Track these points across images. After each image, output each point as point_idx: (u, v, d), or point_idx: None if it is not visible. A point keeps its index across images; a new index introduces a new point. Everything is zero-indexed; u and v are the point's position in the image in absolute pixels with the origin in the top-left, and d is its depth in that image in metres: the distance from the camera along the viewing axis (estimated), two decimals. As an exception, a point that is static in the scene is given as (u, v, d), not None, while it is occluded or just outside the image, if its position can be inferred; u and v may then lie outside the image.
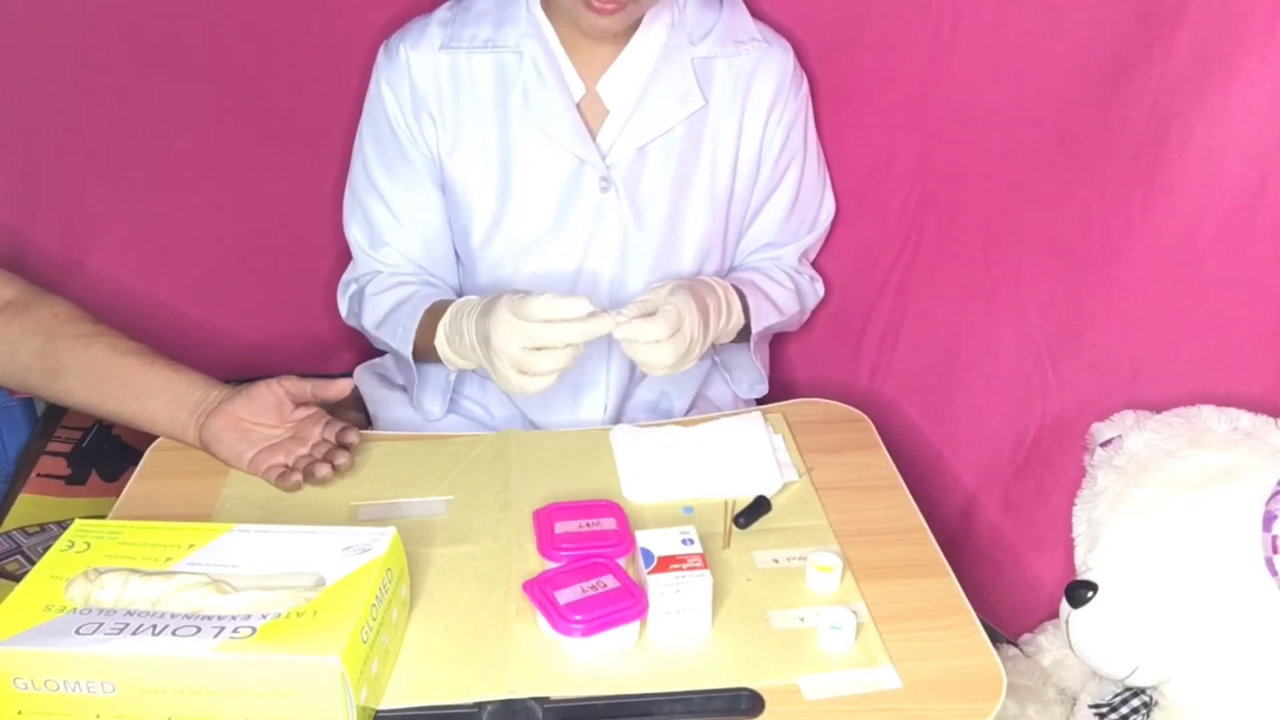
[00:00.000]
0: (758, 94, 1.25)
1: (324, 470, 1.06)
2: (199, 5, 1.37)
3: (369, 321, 1.27)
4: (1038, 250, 1.19)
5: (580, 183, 1.21)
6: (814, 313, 1.43)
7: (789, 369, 1.52)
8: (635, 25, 1.20)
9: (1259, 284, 1.02)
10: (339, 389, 1.11)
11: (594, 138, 1.21)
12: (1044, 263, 1.19)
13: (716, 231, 1.28)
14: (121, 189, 1.45)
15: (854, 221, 1.41)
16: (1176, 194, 1.03)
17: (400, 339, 1.21)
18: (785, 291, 1.32)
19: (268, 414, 1.09)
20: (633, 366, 1.29)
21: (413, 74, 1.21)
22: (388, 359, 1.38)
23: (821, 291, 1.40)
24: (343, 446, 1.09)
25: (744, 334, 1.27)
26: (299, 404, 1.11)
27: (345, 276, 1.34)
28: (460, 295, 1.28)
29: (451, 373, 1.27)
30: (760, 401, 1.38)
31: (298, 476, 1.06)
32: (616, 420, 1.31)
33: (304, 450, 1.09)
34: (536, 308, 1.04)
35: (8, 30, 1.33)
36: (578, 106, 1.21)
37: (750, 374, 1.36)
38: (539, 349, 1.05)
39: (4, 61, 1.34)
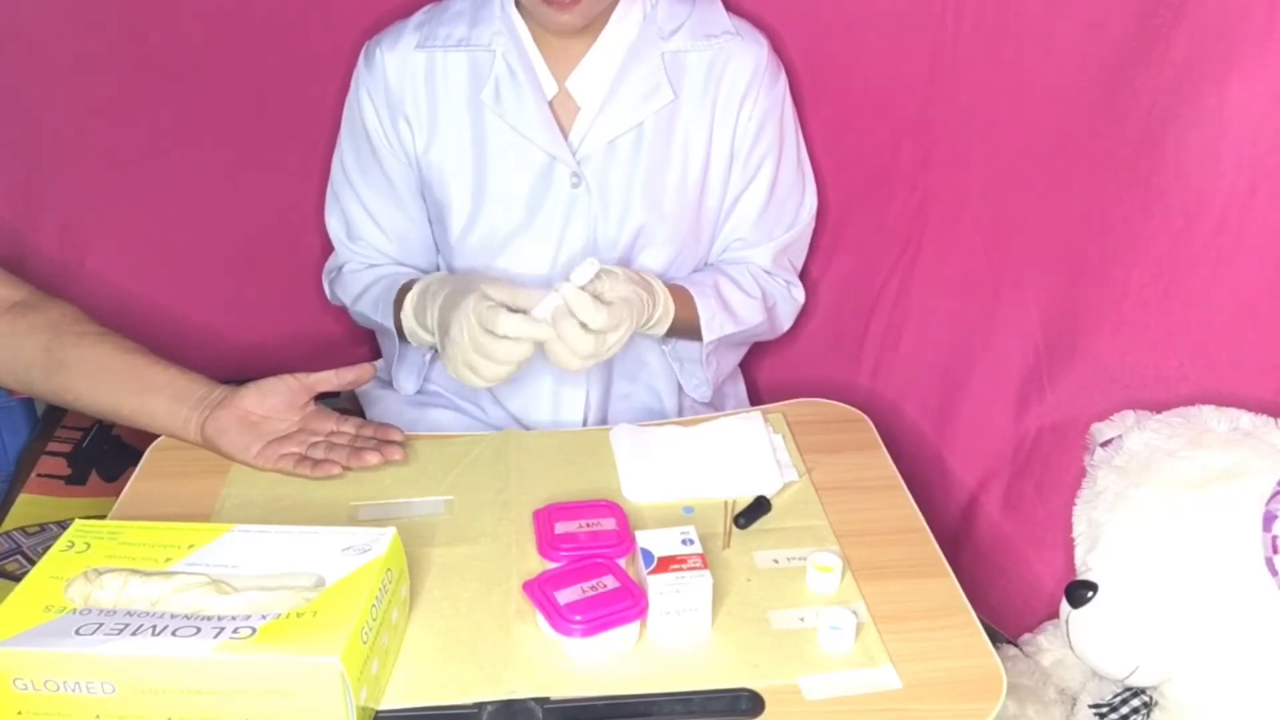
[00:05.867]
0: (729, 87, 1.24)
1: (373, 458, 1.08)
2: (197, 9, 1.38)
3: (348, 297, 1.32)
4: (1038, 251, 1.20)
5: (552, 179, 1.22)
6: (816, 313, 1.43)
7: (789, 369, 1.52)
8: (604, 21, 1.21)
9: (1255, 284, 1.02)
10: (360, 374, 1.13)
11: (566, 134, 1.22)
12: (1045, 263, 1.19)
13: (689, 225, 1.28)
14: (121, 190, 1.45)
15: (856, 222, 1.41)
16: (1172, 195, 1.03)
17: (381, 313, 1.25)
18: (749, 300, 1.29)
19: (279, 407, 1.10)
20: (612, 366, 1.30)
21: (388, 77, 1.23)
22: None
23: (801, 298, 1.38)
24: (389, 443, 1.11)
25: (695, 333, 1.26)
26: (315, 395, 1.12)
27: (328, 264, 1.39)
28: None
29: (427, 352, 1.30)
30: (761, 402, 1.38)
31: (337, 468, 1.07)
32: (602, 421, 1.31)
33: (318, 440, 1.09)
34: (505, 326, 1.04)
35: (8, 32, 1.33)
36: (550, 104, 1.22)
37: (697, 375, 1.34)
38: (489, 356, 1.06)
39: (4, 63, 1.35)
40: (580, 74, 1.22)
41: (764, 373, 1.54)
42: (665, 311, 1.20)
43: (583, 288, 1.06)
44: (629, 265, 1.25)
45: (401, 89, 1.23)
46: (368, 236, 1.31)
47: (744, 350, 1.42)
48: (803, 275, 1.41)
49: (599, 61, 1.22)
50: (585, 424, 1.30)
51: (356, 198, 1.30)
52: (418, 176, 1.27)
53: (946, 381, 1.35)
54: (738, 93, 1.25)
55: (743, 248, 1.33)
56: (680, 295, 1.24)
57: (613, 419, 1.32)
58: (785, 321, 1.39)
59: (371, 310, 1.27)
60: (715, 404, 1.40)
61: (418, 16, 1.25)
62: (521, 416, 1.32)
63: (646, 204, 1.24)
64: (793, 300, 1.38)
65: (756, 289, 1.31)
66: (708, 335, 1.24)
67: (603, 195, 1.23)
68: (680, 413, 1.36)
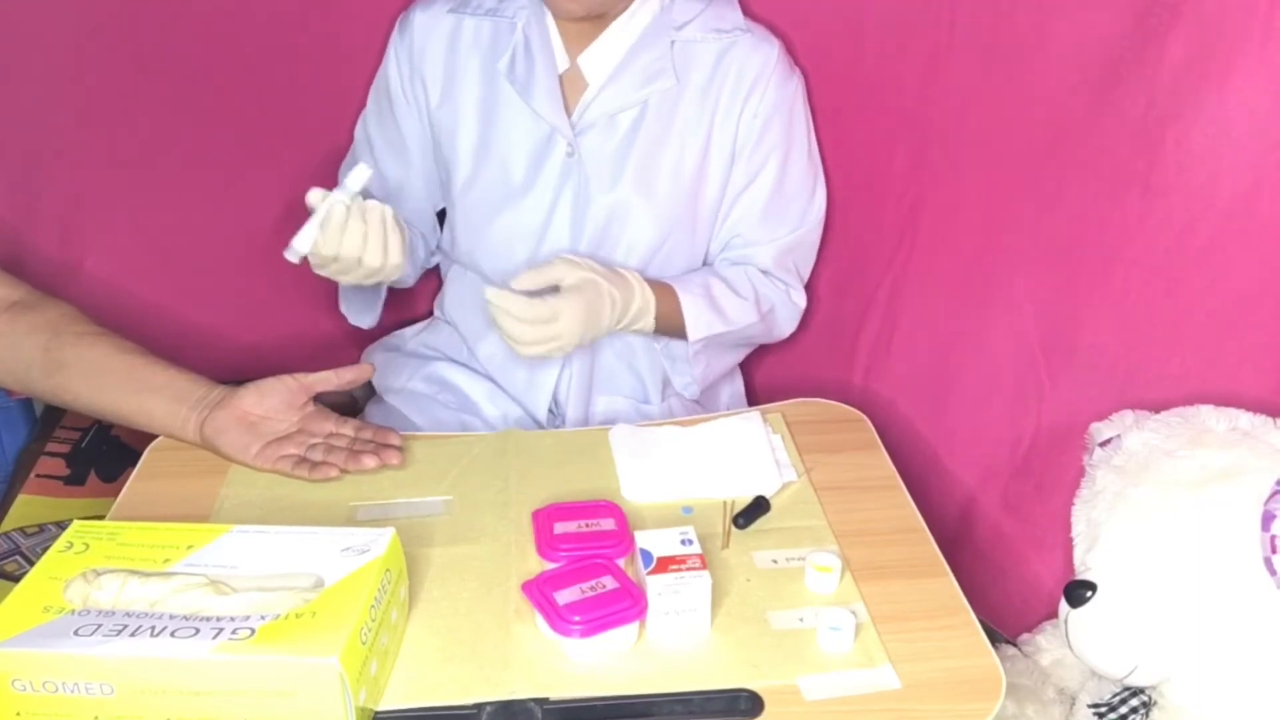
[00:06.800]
0: (734, 81, 1.27)
1: (371, 461, 1.09)
2: (198, 9, 1.38)
3: None
4: (1033, 251, 1.19)
5: (550, 149, 1.27)
6: (810, 314, 1.42)
7: (786, 369, 1.52)
8: (621, 9, 1.25)
9: (1255, 285, 1.02)
10: (359, 374, 1.14)
11: (571, 108, 1.26)
12: (1040, 263, 1.19)
13: (680, 211, 1.29)
14: (120, 191, 1.45)
15: (850, 222, 1.40)
16: (1172, 195, 1.03)
17: None
18: (740, 301, 1.30)
19: (278, 407, 1.10)
20: (601, 342, 1.32)
21: (415, 35, 1.30)
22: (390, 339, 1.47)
23: (801, 302, 1.38)
24: (387, 447, 1.11)
25: (683, 332, 1.28)
26: (314, 395, 1.12)
27: None
28: (437, 246, 1.43)
29: (382, 286, 1.33)
30: (756, 402, 1.38)
31: (334, 471, 1.07)
32: (586, 398, 1.34)
33: (316, 441, 1.10)
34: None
35: (8, 32, 1.33)
36: (561, 79, 1.26)
37: (685, 374, 1.36)
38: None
39: (4, 63, 1.34)
40: (591, 52, 1.26)
41: (759, 373, 1.54)
42: (645, 305, 1.23)
43: (523, 277, 1.16)
44: (615, 242, 1.28)
45: (425, 46, 1.29)
46: (375, 194, 1.34)
47: (741, 354, 1.43)
48: (797, 275, 1.41)
49: (611, 43, 1.26)
50: (560, 384, 1.33)
51: (371, 156, 1.36)
52: (429, 133, 1.32)
53: (941, 382, 1.35)
54: (743, 88, 1.27)
55: (744, 245, 1.33)
56: (667, 293, 1.25)
57: (595, 392, 1.34)
58: (786, 325, 1.39)
59: None
60: (705, 403, 1.40)
61: None
62: (500, 375, 1.35)
63: (636, 182, 1.27)
64: (792, 304, 1.37)
65: (750, 290, 1.31)
66: (693, 334, 1.26)
67: (595, 168, 1.27)
68: (663, 401, 1.38)
